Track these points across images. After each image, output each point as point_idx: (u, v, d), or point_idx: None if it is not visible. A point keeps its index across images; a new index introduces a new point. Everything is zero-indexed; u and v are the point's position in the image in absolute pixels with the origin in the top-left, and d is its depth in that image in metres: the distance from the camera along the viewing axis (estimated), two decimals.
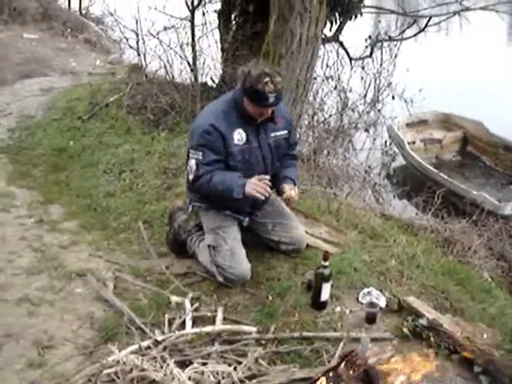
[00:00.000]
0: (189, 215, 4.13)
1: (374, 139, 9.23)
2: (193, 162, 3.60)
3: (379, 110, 9.08)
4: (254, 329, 3.26)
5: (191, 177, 3.65)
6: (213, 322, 3.33)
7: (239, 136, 3.61)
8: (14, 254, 4.29)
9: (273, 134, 3.75)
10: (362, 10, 7.70)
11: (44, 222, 4.91)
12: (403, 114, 10.01)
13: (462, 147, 10.69)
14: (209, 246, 3.79)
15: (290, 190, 3.73)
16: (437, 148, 10.55)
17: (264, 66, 3.55)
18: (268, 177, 3.59)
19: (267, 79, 3.41)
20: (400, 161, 10.02)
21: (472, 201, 7.95)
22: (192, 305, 3.45)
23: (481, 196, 8.03)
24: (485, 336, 3.30)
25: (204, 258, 3.89)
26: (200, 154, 3.56)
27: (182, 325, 3.26)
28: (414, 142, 10.20)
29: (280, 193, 3.80)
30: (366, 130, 8.79)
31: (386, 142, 10.01)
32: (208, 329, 3.19)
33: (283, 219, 3.99)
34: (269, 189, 3.56)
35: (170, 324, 3.27)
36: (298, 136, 6.14)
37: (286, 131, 3.84)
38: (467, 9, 9.41)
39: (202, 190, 3.69)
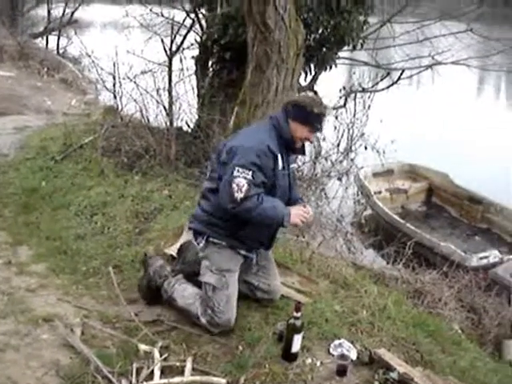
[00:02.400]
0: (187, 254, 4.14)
1: (347, 188, 9.28)
2: (243, 181, 3.44)
3: (352, 160, 9.16)
4: (223, 380, 3.20)
5: (240, 196, 3.45)
6: (182, 372, 3.27)
7: (280, 161, 3.63)
8: None
9: (291, 166, 3.83)
10: (337, 62, 7.87)
11: (12, 264, 4.83)
12: (371, 164, 10.18)
13: (427, 198, 10.95)
14: (208, 284, 3.72)
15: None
16: (403, 198, 10.77)
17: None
18: (308, 208, 3.73)
19: (323, 104, 3.65)
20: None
21: (439, 252, 8.06)
22: (161, 354, 3.38)
23: (448, 247, 8.15)
24: None
25: (184, 300, 3.85)
26: (250, 173, 3.45)
27: (150, 375, 3.20)
28: (380, 192, 10.37)
29: None
30: (339, 179, 8.84)
31: (358, 191, 10.12)
32: (176, 380, 3.13)
33: (267, 262, 4.00)
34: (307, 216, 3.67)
35: (138, 373, 3.20)
36: None
37: (295, 165, 4.02)
38: (439, 63, 9.70)
39: (247, 213, 3.51)
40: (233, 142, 3.66)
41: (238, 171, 3.45)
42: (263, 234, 3.78)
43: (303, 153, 3.90)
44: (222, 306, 3.67)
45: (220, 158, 3.65)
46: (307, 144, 3.95)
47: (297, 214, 3.61)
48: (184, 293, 3.90)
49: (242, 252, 3.79)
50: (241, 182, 3.44)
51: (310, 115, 3.60)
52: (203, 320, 3.71)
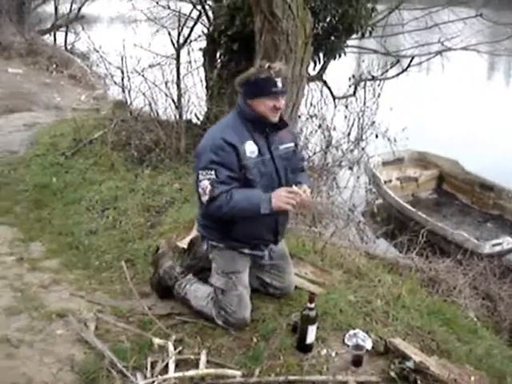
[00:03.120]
0: (179, 259, 4.11)
1: (358, 177, 9.28)
2: (206, 183, 3.37)
3: (363, 149, 9.12)
4: (238, 373, 3.19)
5: (205, 198, 3.40)
6: (196, 365, 3.27)
7: (251, 148, 3.47)
8: None
9: (282, 147, 3.64)
10: (346, 50, 7.80)
11: (25, 261, 4.84)
12: (381, 153, 10.13)
13: (437, 185, 10.89)
14: (217, 287, 3.70)
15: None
16: (413, 186, 10.72)
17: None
18: (296, 189, 3.42)
19: (267, 65, 3.44)
20: None
21: (451, 240, 8.02)
22: (175, 347, 3.38)
23: (460, 235, 8.10)
24: (472, 379, 3.27)
25: (197, 301, 3.82)
26: (213, 172, 3.36)
27: (165, 368, 3.19)
28: (390, 181, 10.33)
29: None
30: (350, 168, 8.82)
31: (368, 180, 10.09)
32: (191, 373, 3.12)
33: (282, 261, 3.94)
34: (298, 198, 3.38)
35: (153, 367, 3.20)
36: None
37: (293, 144, 3.75)
38: (449, 49, 9.59)
39: (219, 212, 3.42)
40: (199, 144, 3.58)
41: (202, 174, 3.40)
42: (259, 228, 3.62)
43: (285, 125, 3.65)
44: (234, 306, 3.64)
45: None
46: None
47: (279, 196, 3.37)
48: (196, 293, 3.86)
49: (246, 251, 3.70)
50: (204, 184, 3.39)
51: (259, 84, 3.42)
52: (219, 321, 3.69)
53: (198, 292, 3.86)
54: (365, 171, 9.88)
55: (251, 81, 3.45)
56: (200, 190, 3.42)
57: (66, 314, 3.85)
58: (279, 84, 3.43)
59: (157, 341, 3.45)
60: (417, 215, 8.80)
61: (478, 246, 7.84)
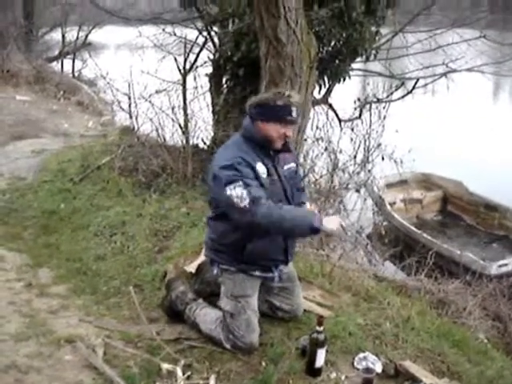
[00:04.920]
0: (193, 283, 4.13)
1: (365, 199, 9.27)
2: (239, 190, 3.26)
3: (369, 171, 9.14)
4: None
5: (246, 202, 3.25)
6: None
7: (261, 169, 3.46)
8: (2, 318, 4.18)
9: (286, 167, 3.65)
10: (350, 73, 7.85)
11: (33, 286, 4.83)
12: (385, 175, 10.11)
13: (442, 207, 10.87)
14: (226, 311, 3.69)
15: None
16: (417, 208, 10.70)
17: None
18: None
19: (286, 93, 3.45)
20: None
21: (458, 261, 7.99)
22: (184, 372, 3.36)
23: (466, 256, 8.06)
24: None
25: (206, 325, 3.80)
26: (240, 182, 3.28)
27: None
28: (394, 203, 10.30)
29: None
30: (357, 191, 8.81)
31: (373, 202, 10.08)
32: None
33: (290, 284, 3.93)
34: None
35: None
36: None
37: (294, 164, 3.76)
38: (454, 70, 9.64)
39: (268, 215, 3.25)
40: (213, 168, 3.50)
41: (230, 188, 3.30)
42: (271, 248, 3.61)
43: (288, 150, 3.65)
44: (243, 330, 3.63)
45: (210, 188, 3.60)
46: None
47: (333, 219, 3.40)
48: (206, 318, 3.85)
49: (257, 273, 3.68)
50: (238, 191, 3.28)
51: (275, 109, 3.43)
52: (227, 346, 3.67)
53: (207, 316, 3.85)
54: (369, 193, 9.88)
55: (269, 104, 3.45)
56: (235, 199, 3.27)
57: (75, 339, 3.84)
58: (294, 113, 3.46)
59: (165, 366, 3.43)
60: (422, 237, 8.79)
61: (485, 267, 7.80)
